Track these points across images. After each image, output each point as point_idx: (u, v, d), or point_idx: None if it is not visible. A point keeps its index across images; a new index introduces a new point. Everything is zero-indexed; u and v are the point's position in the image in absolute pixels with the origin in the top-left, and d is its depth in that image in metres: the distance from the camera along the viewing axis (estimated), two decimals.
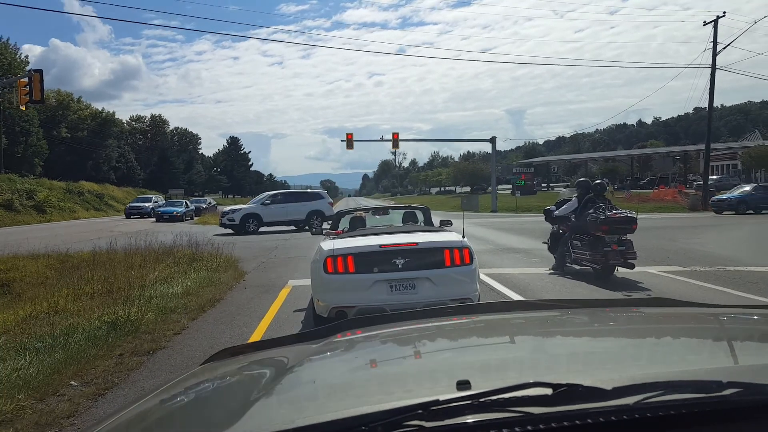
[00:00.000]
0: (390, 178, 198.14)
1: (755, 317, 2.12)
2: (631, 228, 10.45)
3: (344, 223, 9.17)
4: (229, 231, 26.59)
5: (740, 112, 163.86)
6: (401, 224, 9.19)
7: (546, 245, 12.99)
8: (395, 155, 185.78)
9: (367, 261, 6.72)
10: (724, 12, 36.93)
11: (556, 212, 12.25)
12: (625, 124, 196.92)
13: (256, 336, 7.38)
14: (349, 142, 42.75)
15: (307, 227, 27.11)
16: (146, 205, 46.93)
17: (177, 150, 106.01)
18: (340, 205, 38.79)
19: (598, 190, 11.56)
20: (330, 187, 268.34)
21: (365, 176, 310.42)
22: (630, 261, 10.37)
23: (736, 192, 33.87)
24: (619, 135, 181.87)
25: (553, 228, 12.70)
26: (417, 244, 6.87)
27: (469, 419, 1.04)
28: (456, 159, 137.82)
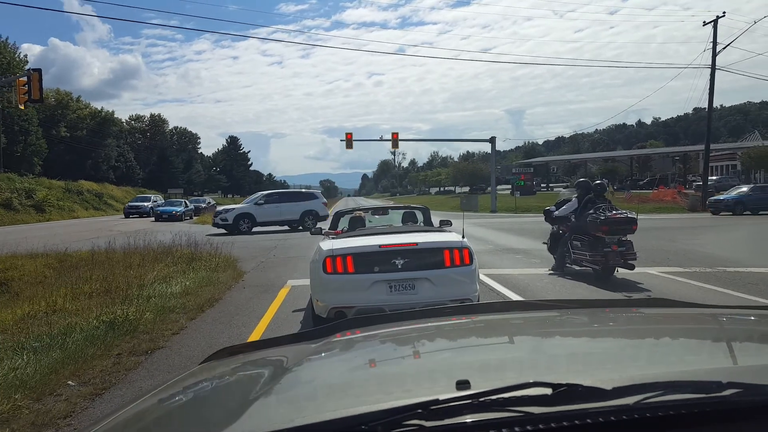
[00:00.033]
0: (389, 178, 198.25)
1: (755, 318, 2.11)
2: (631, 229, 10.43)
3: (343, 223, 9.14)
4: (222, 231, 26.34)
5: (740, 113, 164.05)
6: (401, 224, 9.16)
7: (546, 246, 12.97)
8: (395, 155, 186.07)
9: (366, 261, 6.70)
10: (724, 12, 37.03)
11: (556, 213, 12.22)
12: (624, 124, 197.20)
13: (254, 336, 7.36)
14: (349, 141, 42.72)
15: (300, 227, 27.04)
16: (145, 204, 46.91)
17: (176, 149, 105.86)
18: (340, 205, 38.83)
19: (598, 190, 11.54)
20: (329, 187, 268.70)
21: (365, 176, 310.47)
22: (630, 262, 10.35)
23: (733, 193, 33.80)
24: (619, 135, 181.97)
25: (552, 228, 12.68)
26: (417, 244, 6.85)
27: (469, 419, 1.04)
28: (455, 159, 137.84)
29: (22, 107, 24.59)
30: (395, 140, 44.69)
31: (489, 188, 51.96)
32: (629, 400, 1.06)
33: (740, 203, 31.98)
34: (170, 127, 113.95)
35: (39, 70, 22.28)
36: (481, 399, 1.07)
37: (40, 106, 56.75)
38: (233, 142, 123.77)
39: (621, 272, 10.82)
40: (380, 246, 6.81)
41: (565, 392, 1.07)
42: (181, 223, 36.12)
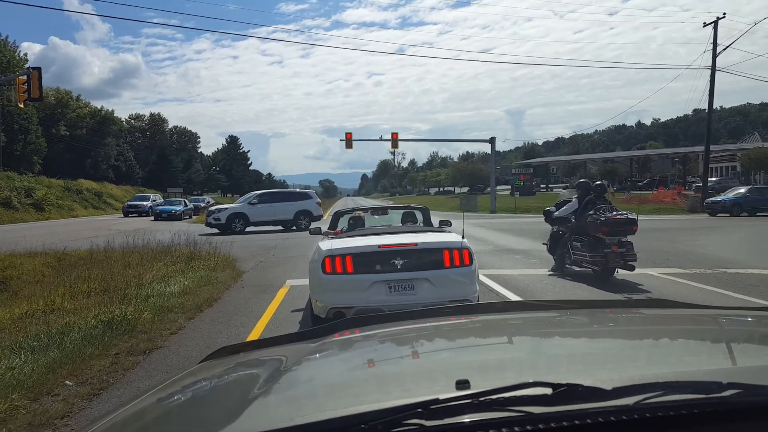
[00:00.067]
0: (389, 178, 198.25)
1: (755, 319, 2.11)
2: (631, 230, 10.41)
3: (343, 223, 9.12)
4: (215, 231, 26.04)
5: (739, 114, 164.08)
6: (400, 224, 9.14)
7: (545, 246, 12.95)
8: (394, 155, 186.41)
9: (365, 261, 6.68)
10: (724, 13, 36.99)
11: (556, 213, 12.20)
12: (624, 125, 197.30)
13: (253, 336, 7.33)
14: (348, 141, 42.67)
15: (294, 227, 26.94)
16: (144, 203, 46.90)
17: (176, 149, 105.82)
18: (339, 205, 38.74)
19: (599, 191, 11.51)
20: (329, 187, 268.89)
21: (364, 176, 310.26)
22: (630, 263, 10.32)
23: (731, 194, 33.70)
24: (618, 136, 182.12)
25: (552, 229, 12.66)
26: (416, 244, 6.83)
27: (469, 418, 1.03)
28: (455, 159, 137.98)
29: (22, 106, 24.55)
30: (395, 140, 44.65)
31: (488, 188, 51.95)
32: (629, 400, 1.06)
33: (737, 205, 31.89)
34: (170, 127, 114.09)
35: (38, 69, 22.20)
36: (481, 399, 1.06)
37: (39, 105, 56.73)
38: (233, 141, 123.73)
39: (621, 273, 10.79)
40: (379, 246, 6.79)
41: (565, 392, 1.07)
42: (180, 223, 36.08)
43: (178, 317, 8.35)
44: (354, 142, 43.73)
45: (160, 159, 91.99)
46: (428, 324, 2.13)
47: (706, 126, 39.42)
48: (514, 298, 9.35)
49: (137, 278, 10.71)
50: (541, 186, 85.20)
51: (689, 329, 2.00)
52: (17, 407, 4.80)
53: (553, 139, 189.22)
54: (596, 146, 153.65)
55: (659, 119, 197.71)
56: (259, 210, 27.22)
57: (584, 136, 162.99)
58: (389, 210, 11.18)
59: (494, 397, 1.07)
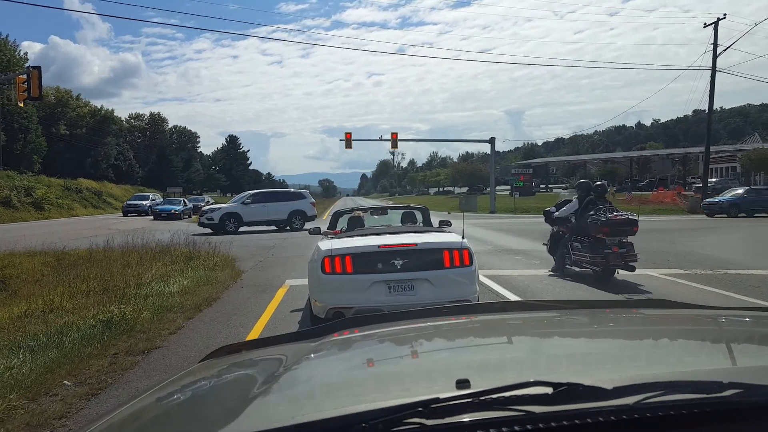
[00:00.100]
0: (388, 178, 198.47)
1: (755, 319, 2.11)
2: (632, 230, 10.38)
3: (342, 223, 9.09)
4: (208, 231, 25.67)
5: (739, 115, 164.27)
6: (400, 224, 9.12)
7: (545, 247, 12.94)
8: (394, 155, 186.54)
9: (365, 261, 6.65)
10: (725, 14, 37.01)
11: (556, 214, 12.18)
12: (624, 125, 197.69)
13: (252, 336, 7.30)
14: (348, 141, 42.65)
15: (288, 227, 26.79)
16: (143, 203, 46.87)
17: (176, 148, 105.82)
18: (338, 205, 38.71)
19: (599, 191, 11.49)
20: (328, 187, 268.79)
21: (364, 176, 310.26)
22: (630, 263, 10.30)
23: (728, 195, 33.65)
24: (618, 137, 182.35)
25: (552, 229, 12.64)
26: (416, 244, 6.80)
27: (470, 417, 1.03)
28: (455, 159, 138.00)
29: (22, 105, 24.57)
30: (394, 140, 44.61)
31: (487, 189, 51.92)
32: (630, 400, 1.06)
33: (735, 205, 31.85)
34: (170, 126, 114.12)
35: (38, 68, 22.19)
36: (482, 398, 1.06)
37: (39, 104, 56.75)
38: (233, 141, 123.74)
39: (621, 274, 10.78)
40: (379, 246, 6.76)
41: (566, 392, 1.07)
42: (179, 222, 36.06)
43: (177, 317, 8.33)
44: (354, 142, 43.71)
45: (160, 158, 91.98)
46: (428, 324, 2.13)
47: (707, 127, 39.42)
48: (514, 298, 9.32)
49: (136, 278, 10.70)
50: (541, 186, 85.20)
51: (689, 329, 1.99)
52: (15, 407, 4.78)
53: (552, 140, 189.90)
54: (596, 147, 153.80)
55: (659, 120, 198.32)
56: (252, 210, 27.01)
57: (584, 136, 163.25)
58: (389, 210, 11.15)
59: (495, 396, 1.06)
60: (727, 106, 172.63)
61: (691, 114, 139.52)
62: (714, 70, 37.01)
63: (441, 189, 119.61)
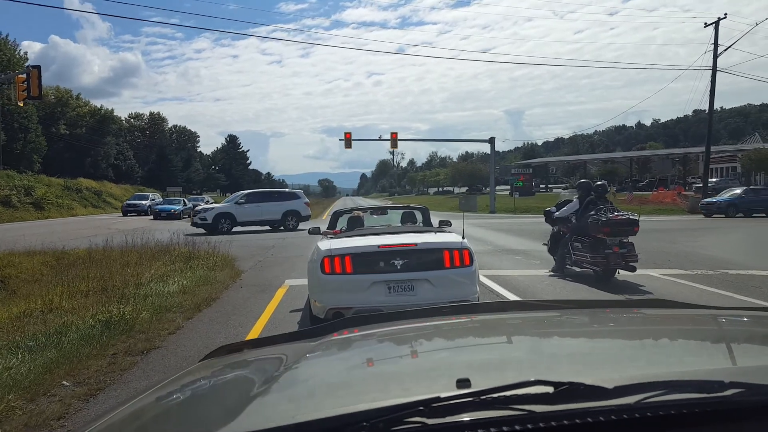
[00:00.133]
0: (388, 178, 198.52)
1: (756, 319, 2.11)
2: (632, 230, 10.35)
3: (342, 223, 9.06)
4: (201, 231, 25.32)
5: (740, 115, 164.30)
6: (400, 224, 9.09)
7: (546, 247, 12.91)
8: (393, 155, 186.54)
9: (365, 261, 6.63)
10: (726, 14, 36.96)
11: (557, 213, 12.15)
12: (624, 125, 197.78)
13: (252, 336, 7.27)
14: (348, 141, 42.60)
15: (282, 227, 26.66)
16: (143, 202, 46.87)
17: (175, 148, 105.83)
18: (338, 205, 38.69)
19: (600, 191, 11.46)
20: (328, 187, 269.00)
21: (363, 176, 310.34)
22: (631, 264, 10.28)
23: (726, 195, 33.57)
24: (618, 137, 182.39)
25: (553, 229, 12.62)
26: (416, 244, 6.78)
27: (471, 416, 1.03)
28: (454, 159, 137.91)
29: (21, 104, 24.52)
30: (394, 140, 44.56)
31: (487, 189, 51.85)
32: (631, 399, 1.06)
33: (733, 205, 31.78)
34: (169, 126, 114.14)
35: (38, 67, 22.15)
36: (483, 397, 1.06)
37: (39, 104, 56.71)
38: (232, 140, 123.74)
39: (622, 274, 10.76)
40: (379, 246, 6.74)
41: (567, 391, 1.07)
42: (179, 222, 35.99)
43: (176, 317, 8.31)
44: (353, 142, 43.66)
45: (160, 158, 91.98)
46: (428, 323, 2.13)
47: (707, 126, 39.42)
48: (514, 298, 9.30)
49: (136, 277, 10.68)
50: (541, 186, 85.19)
51: (690, 329, 1.99)
52: (13, 408, 4.77)
53: (552, 140, 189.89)
54: (596, 147, 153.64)
55: (659, 120, 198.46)
56: (246, 210, 26.80)
57: (584, 136, 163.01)
58: (388, 210, 11.13)
59: (496, 395, 1.06)
60: (727, 106, 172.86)
61: (691, 114, 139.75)
62: (715, 69, 37.00)
63: (440, 189, 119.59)
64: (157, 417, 1.44)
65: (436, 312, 2.35)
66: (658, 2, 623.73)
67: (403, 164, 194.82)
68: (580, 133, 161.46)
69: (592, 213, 10.64)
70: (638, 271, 10.57)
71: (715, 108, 40.12)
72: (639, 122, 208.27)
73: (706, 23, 37.54)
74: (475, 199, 50.16)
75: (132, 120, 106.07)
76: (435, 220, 9.28)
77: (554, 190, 73.57)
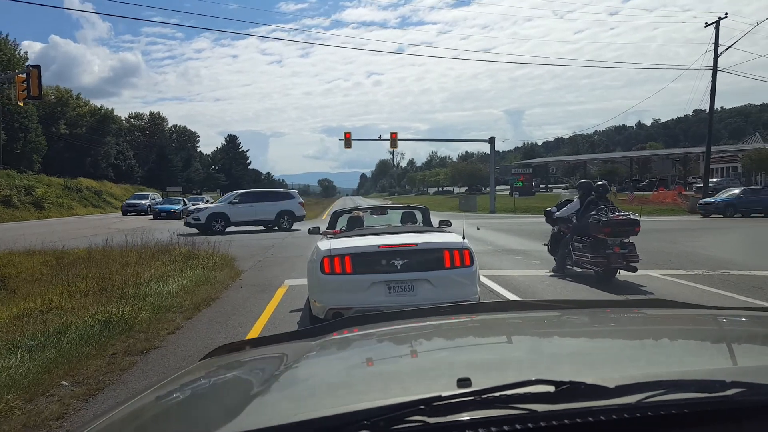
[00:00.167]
0: (388, 178, 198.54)
1: (756, 319, 2.10)
2: (633, 230, 10.32)
3: (342, 223, 9.04)
4: (194, 231, 25.06)
5: (740, 115, 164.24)
6: (400, 224, 9.08)
7: (546, 247, 12.89)
8: (393, 155, 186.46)
9: (365, 262, 6.61)
10: (726, 13, 36.90)
11: (557, 213, 12.13)
12: (624, 125, 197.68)
13: (251, 337, 7.26)
14: (348, 141, 42.58)
15: (276, 227, 26.53)
16: (143, 202, 46.91)
17: (175, 148, 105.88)
18: (338, 205, 38.64)
19: (601, 191, 11.44)
20: (328, 186, 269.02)
21: (363, 176, 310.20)
22: (632, 264, 10.25)
23: (724, 195, 33.48)
24: (618, 136, 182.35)
25: (553, 229, 12.60)
26: (416, 244, 6.76)
27: (472, 415, 1.03)
28: (454, 159, 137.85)
29: (21, 104, 24.49)
30: (394, 140, 44.52)
31: (486, 188, 51.82)
32: (632, 399, 1.06)
33: (731, 206, 31.69)
34: (169, 125, 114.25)
35: (38, 67, 22.10)
36: (484, 396, 1.06)
37: (40, 104, 56.68)
38: (232, 140, 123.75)
39: (623, 275, 10.73)
40: (379, 246, 6.72)
41: (568, 390, 1.06)
42: (179, 221, 35.89)
43: (175, 317, 8.29)
44: (353, 142, 43.65)
45: (160, 158, 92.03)
46: (428, 323, 2.12)
47: (707, 126, 39.39)
48: (514, 299, 9.27)
49: (135, 277, 10.66)
50: (541, 186, 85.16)
51: (691, 329, 1.99)
52: (12, 408, 4.75)
53: (552, 140, 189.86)
54: (596, 147, 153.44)
55: (659, 120, 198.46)
56: (239, 210, 26.61)
57: (584, 136, 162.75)
58: (388, 210, 11.10)
59: (497, 394, 1.06)
60: (727, 106, 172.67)
61: (691, 114, 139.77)
62: (715, 69, 36.96)
63: (440, 189, 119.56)
64: (157, 416, 1.44)
65: (436, 312, 2.34)
66: (659, 2, 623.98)
67: (403, 164, 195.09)
68: (580, 133, 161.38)
69: (593, 213, 10.61)
70: (639, 272, 10.53)
71: (715, 108, 40.10)
72: (639, 122, 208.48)
73: (706, 23, 37.55)
74: (474, 199, 50.14)
75: (132, 120, 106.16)
76: (435, 220, 9.27)
77: (554, 190, 73.53)
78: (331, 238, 7.63)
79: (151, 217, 41.58)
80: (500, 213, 40.65)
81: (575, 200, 11.80)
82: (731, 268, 12.33)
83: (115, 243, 14.95)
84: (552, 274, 11.75)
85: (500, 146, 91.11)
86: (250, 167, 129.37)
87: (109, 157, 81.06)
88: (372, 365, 1.68)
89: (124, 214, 45.87)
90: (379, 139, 49.09)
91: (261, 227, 26.96)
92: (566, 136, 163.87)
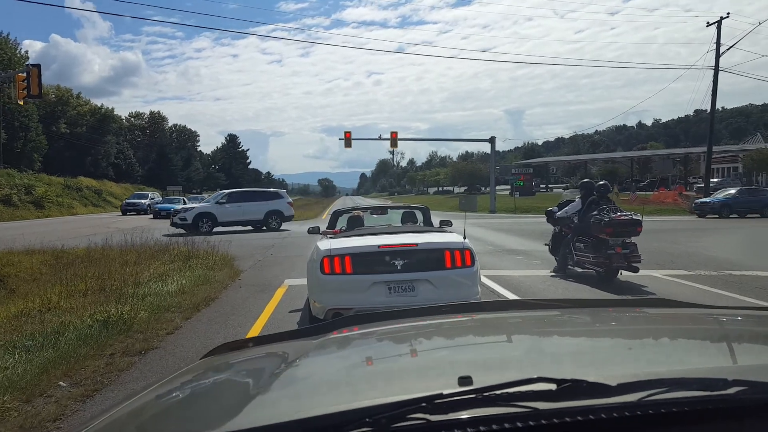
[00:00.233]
0: (388, 178, 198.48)
1: (758, 318, 2.11)
2: (635, 231, 10.28)
3: (341, 223, 8.99)
4: (181, 231, 24.21)
5: (741, 115, 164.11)
6: (400, 224, 9.03)
7: (547, 247, 12.84)
8: (393, 154, 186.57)
9: (365, 262, 6.57)
10: (728, 13, 36.82)
11: (559, 213, 12.09)
12: (624, 125, 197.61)
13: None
14: (348, 140, 42.56)
15: (265, 228, 26.37)
16: (142, 201, 46.91)
17: (175, 147, 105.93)
18: (338, 204, 38.61)
19: (602, 191, 11.40)
20: (328, 186, 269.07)
21: (363, 175, 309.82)
22: (634, 264, 10.20)
23: (720, 196, 33.39)
24: (619, 136, 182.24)
25: (554, 229, 12.55)
26: (416, 244, 6.72)
27: (473, 413, 1.03)
28: (454, 159, 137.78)
29: (21, 103, 24.46)
30: (394, 139, 44.49)
31: (487, 188, 51.79)
32: (634, 397, 1.06)
33: (727, 206, 31.61)
34: (170, 125, 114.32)
35: (38, 66, 22.10)
36: (485, 394, 1.06)
37: (40, 103, 56.72)
38: (232, 140, 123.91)
39: (624, 275, 10.70)
40: (379, 246, 6.68)
41: (570, 388, 1.07)
42: None
43: (174, 317, 8.24)
44: (353, 141, 43.66)
45: (160, 157, 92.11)
46: (429, 322, 2.12)
47: (709, 126, 39.34)
48: (515, 299, 9.23)
49: (134, 277, 10.62)
50: (541, 186, 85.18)
51: (692, 328, 1.99)
52: (9, 409, 4.71)
53: (553, 139, 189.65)
54: (596, 146, 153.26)
55: (660, 120, 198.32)
56: (227, 210, 26.26)
57: (584, 136, 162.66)
58: (389, 209, 11.06)
59: (498, 392, 1.06)
60: (728, 106, 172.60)
61: (692, 114, 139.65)
62: (717, 69, 36.90)
63: (440, 188, 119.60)
64: (158, 415, 1.43)
65: (437, 311, 2.33)
66: (659, 2, 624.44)
67: (403, 164, 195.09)
68: (580, 133, 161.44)
69: (595, 213, 10.57)
70: (641, 272, 10.50)
71: (716, 108, 40.05)
72: (640, 122, 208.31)
73: (708, 23, 37.48)
74: (475, 198, 50.11)
75: (132, 119, 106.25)
76: (435, 220, 9.22)
77: (555, 190, 73.58)
78: (331, 237, 7.59)
79: (151, 216, 41.53)
80: (500, 213, 40.62)
81: (577, 200, 11.77)
82: (733, 268, 12.28)
83: (115, 242, 14.91)
84: (553, 274, 11.71)
85: (500, 146, 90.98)
86: (250, 167, 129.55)
87: (109, 157, 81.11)
88: (373, 364, 1.68)
89: (124, 213, 45.85)
90: (379, 138, 49.05)
91: (249, 227, 26.71)
92: (567, 136, 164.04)
